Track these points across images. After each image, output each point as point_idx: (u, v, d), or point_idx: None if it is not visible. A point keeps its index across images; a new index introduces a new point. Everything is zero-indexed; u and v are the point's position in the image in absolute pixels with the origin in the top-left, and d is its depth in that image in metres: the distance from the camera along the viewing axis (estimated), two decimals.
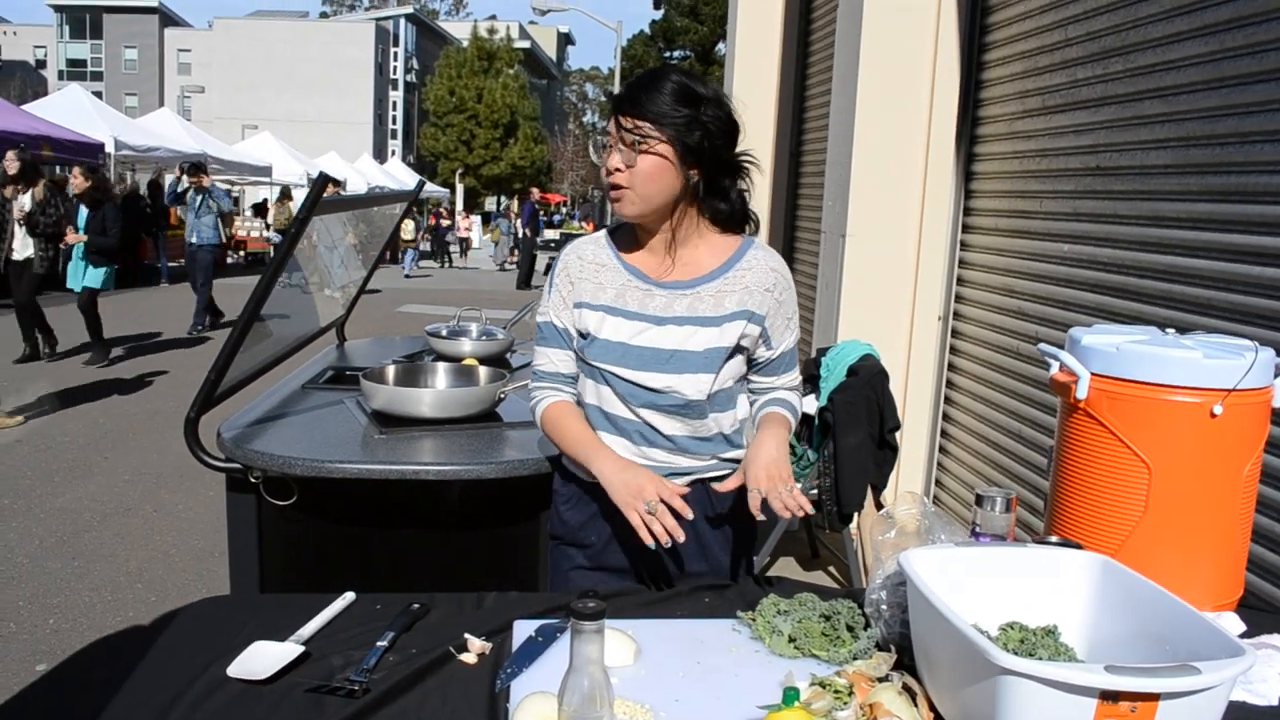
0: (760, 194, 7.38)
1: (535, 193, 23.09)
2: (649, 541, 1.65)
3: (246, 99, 49.69)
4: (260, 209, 20.43)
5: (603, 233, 1.93)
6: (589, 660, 1.19)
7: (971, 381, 4.56)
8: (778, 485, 1.68)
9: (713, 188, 1.80)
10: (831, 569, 4.39)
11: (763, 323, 1.85)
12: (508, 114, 43.89)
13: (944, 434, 4.87)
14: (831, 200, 4.99)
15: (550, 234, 20.33)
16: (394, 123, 56.52)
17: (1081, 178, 3.60)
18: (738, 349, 1.85)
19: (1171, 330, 1.80)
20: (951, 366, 4.78)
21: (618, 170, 1.74)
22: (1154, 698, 1.14)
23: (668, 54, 39.78)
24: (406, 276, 19.55)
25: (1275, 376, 1.68)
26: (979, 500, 1.69)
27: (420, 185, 4.06)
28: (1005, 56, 4.29)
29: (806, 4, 7.06)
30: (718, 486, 1.83)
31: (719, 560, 1.94)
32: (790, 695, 1.24)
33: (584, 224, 24.05)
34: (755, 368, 1.92)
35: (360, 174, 26.14)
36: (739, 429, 1.92)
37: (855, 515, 3.84)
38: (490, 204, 46.13)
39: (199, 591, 3.93)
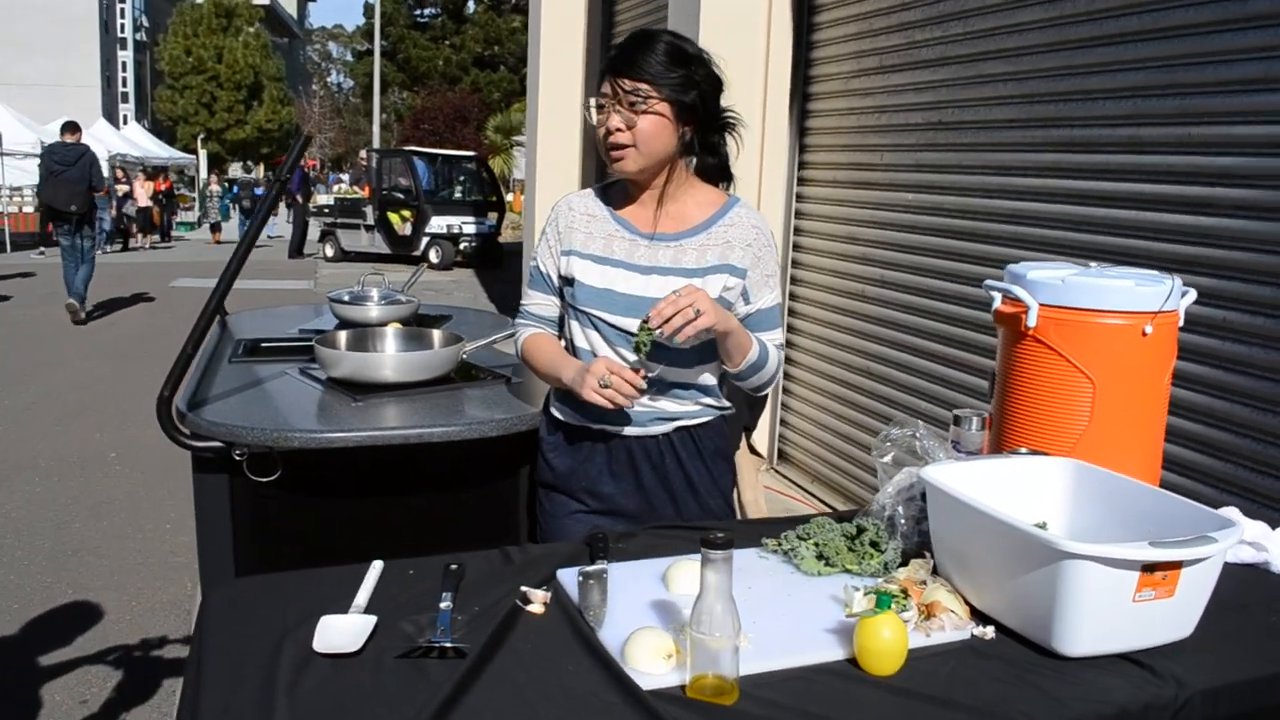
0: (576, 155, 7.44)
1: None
2: (607, 405, 1.80)
3: None
4: None
5: (592, 188, 2.03)
6: (717, 588, 1.29)
7: (815, 325, 4.88)
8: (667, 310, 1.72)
9: (703, 143, 1.92)
10: None
11: (744, 277, 1.97)
12: (251, 75, 41.49)
13: (787, 375, 5.19)
14: None
15: (324, 199, 19.44)
16: (124, 85, 51.91)
17: (924, 132, 3.93)
18: (720, 301, 1.97)
19: (1094, 263, 2.07)
20: (792, 312, 5.09)
21: (618, 130, 1.83)
22: (1177, 566, 1.38)
23: (418, 11, 38.63)
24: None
25: (1181, 298, 1.99)
26: (957, 420, 1.90)
27: (307, 140, 3.69)
28: (838, 18, 4.57)
29: None
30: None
31: (707, 502, 2.07)
32: (884, 599, 1.39)
33: (356, 188, 23.17)
34: None
35: (99, 140, 23.91)
36: (720, 378, 2.05)
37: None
38: (235, 170, 43.45)
39: (65, 593, 3.66)
